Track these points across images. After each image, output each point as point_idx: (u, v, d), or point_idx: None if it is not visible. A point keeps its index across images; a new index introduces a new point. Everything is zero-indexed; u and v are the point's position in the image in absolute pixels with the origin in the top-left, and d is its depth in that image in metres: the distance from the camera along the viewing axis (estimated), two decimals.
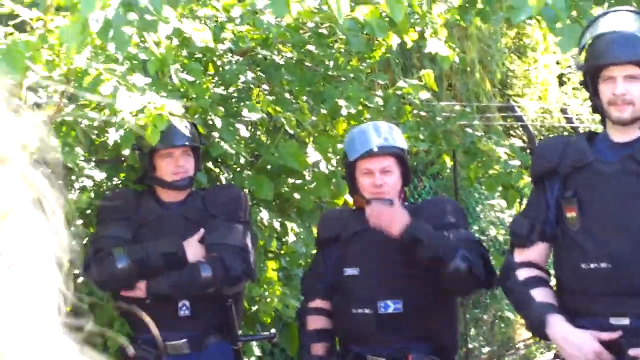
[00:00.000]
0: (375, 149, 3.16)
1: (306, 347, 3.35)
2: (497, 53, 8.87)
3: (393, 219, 3.06)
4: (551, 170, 2.76)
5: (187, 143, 3.32)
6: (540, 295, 2.72)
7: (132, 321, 3.38)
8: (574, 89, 11.56)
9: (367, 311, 3.15)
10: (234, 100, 3.98)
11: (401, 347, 3.13)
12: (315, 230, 4.29)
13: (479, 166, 4.04)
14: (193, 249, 3.29)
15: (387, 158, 3.18)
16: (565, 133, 8.73)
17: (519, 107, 9.26)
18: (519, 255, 2.84)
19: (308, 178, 4.22)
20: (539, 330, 2.68)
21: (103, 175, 3.41)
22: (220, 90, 3.85)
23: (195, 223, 3.36)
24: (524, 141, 8.73)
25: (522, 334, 7.77)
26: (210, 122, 3.66)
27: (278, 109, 3.86)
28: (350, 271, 3.24)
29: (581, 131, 9.24)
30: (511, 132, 9.48)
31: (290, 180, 4.22)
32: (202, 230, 3.34)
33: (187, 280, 3.23)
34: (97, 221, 3.42)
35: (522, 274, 2.79)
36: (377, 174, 3.16)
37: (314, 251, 4.10)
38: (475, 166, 4.06)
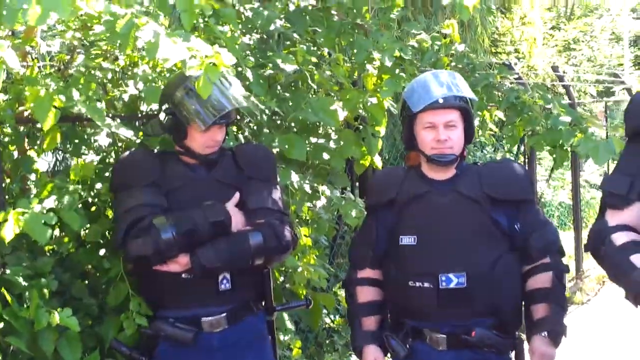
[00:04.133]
0: (441, 100, 2.86)
1: (357, 321, 3.08)
2: (487, 10, 8.58)
3: None
4: None
5: (227, 120, 2.97)
6: None
7: (160, 298, 3.01)
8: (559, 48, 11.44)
9: (426, 285, 2.88)
10: (257, 50, 3.63)
11: (463, 323, 2.87)
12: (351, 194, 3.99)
13: (522, 123, 3.75)
14: (235, 216, 2.96)
15: (452, 111, 2.88)
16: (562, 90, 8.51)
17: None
18: (613, 218, 2.55)
19: (334, 137, 3.89)
20: None
21: (130, 132, 3.02)
22: (245, 39, 3.48)
23: (229, 186, 3.02)
24: None
25: None
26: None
27: (314, 59, 3.50)
28: (406, 239, 2.95)
29: (572, 89, 9.02)
30: None
31: (313, 140, 3.88)
32: (237, 194, 3.01)
33: (238, 252, 2.89)
34: (120, 187, 2.99)
35: (619, 238, 2.50)
36: (440, 128, 2.87)
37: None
38: (521, 123, 3.76)
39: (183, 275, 2.90)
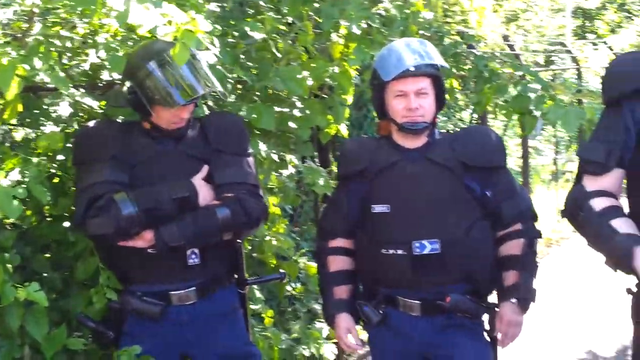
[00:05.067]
0: (412, 69, 2.82)
1: (329, 290, 3.06)
2: None
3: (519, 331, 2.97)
4: (634, 91, 2.46)
5: (195, 98, 2.85)
6: (622, 226, 2.41)
7: (127, 273, 2.93)
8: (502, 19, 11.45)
9: (400, 252, 2.86)
10: (219, 18, 3.53)
11: (437, 289, 2.87)
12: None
13: (491, 90, 3.72)
14: (202, 191, 2.86)
15: (423, 79, 2.85)
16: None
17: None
18: (591, 184, 2.53)
19: (299, 105, 3.82)
20: (623, 264, 2.37)
21: (95, 102, 2.90)
22: (209, 7, 3.37)
23: (197, 159, 2.92)
24: None
25: None
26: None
27: (282, 27, 3.42)
28: (379, 208, 2.92)
29: (522, 59, 9.05)
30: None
31: (277, 109, 3.81)
32: (205, 168, 2.92)
33: (204, 227, 2.80)
34: (81, 161, 2.87)
35: (598, 203, 2.48)
36: (411, 96, 2.84)
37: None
38: (489, 90, 3.73)
39: (149, 250, 2.80)
